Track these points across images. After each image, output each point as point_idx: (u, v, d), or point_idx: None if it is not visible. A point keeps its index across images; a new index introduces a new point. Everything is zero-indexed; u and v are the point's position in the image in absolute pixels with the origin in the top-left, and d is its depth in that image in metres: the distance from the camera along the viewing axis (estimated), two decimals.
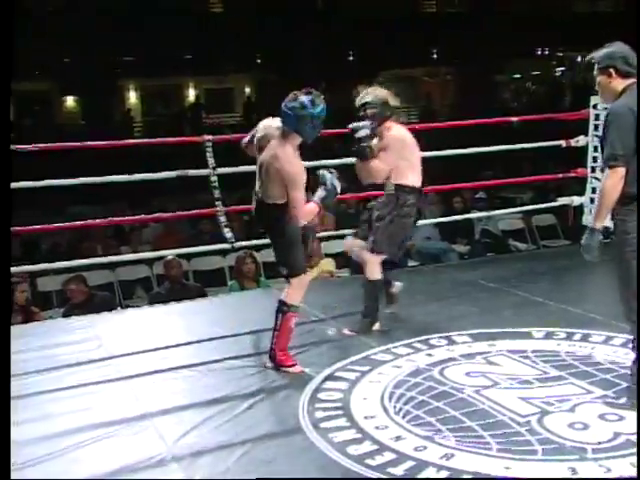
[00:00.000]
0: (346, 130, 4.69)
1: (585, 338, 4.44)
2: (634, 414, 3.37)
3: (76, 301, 6.47)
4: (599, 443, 3.19)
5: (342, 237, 7.93)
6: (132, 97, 23.43)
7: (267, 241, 6.45)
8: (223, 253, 7.69)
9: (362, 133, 4.58)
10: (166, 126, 19.62)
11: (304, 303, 4.37)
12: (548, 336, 4.54)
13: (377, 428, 3.44)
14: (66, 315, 6.22)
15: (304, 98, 3.99)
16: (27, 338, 4.99)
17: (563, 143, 6.84)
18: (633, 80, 3.44)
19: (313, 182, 4.19)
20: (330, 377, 4.08)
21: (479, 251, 8.51)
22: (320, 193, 4.17)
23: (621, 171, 3.31)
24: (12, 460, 2.96)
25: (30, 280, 7.33)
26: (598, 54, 3.52)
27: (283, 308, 4.22)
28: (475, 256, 8.16)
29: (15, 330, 4.95)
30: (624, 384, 3.66)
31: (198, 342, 4.81)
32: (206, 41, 18.86)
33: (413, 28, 20.56)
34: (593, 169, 6.55)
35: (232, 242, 5.82)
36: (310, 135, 4.07)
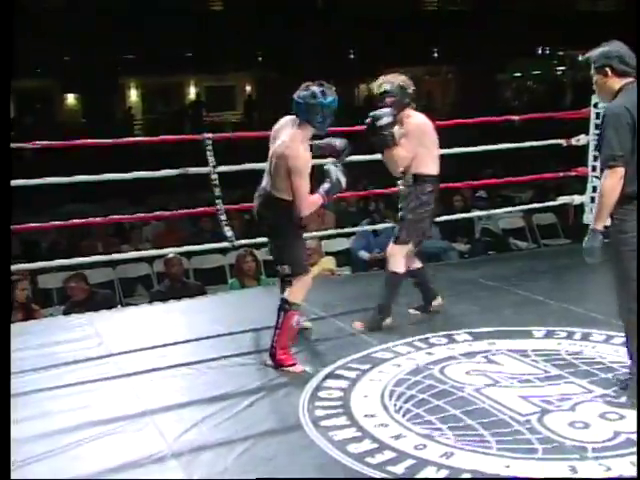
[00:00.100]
0: (346, 129, 4.69)
1: (586, 337, 4.44)
2: (634, 413, 3.37)
3: (77, 299, 6.47)
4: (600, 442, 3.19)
5: (342, 235, 8.00)
6: (133, 95, 23.44)
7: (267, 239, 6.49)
8: (223, 251, 7.69)
9: (384, 121, 4.58)
10: (167, 124, 19.61)
11: (305, 301, 4.37)
12: (548, 335, 4.54)
13: (377, 426, 3.44)
14: (66, 313, 6.21)
15: (315, 88, 4.06)
16: (27, 336, 4.99)
17: (564, 142, 6.84)
18: (630, 79, 3.43)
19: (318, 181, 4.20)
20: (330, 375, 4.08)
21: (479, 250, 8.50)
22: (325, 186, 4.18)
23: (620, 171, 3.30)
24: (12, 458, 2.96)
25: (31, 278, 7.33)
26: (594, 53, 3.51)
27: (285, 306, 4.22)
28: (475, 255, 8.16)
29: (15, 328, 4.96)
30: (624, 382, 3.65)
31: (198, 340, 4.81)
32: (207, 39, 18.86)
33: (414, 26, 20.56)
34: (594, 168, 6.54)
35: (232, 240, 5.81)
36: (320, 125, 4.11)
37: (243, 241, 6.15)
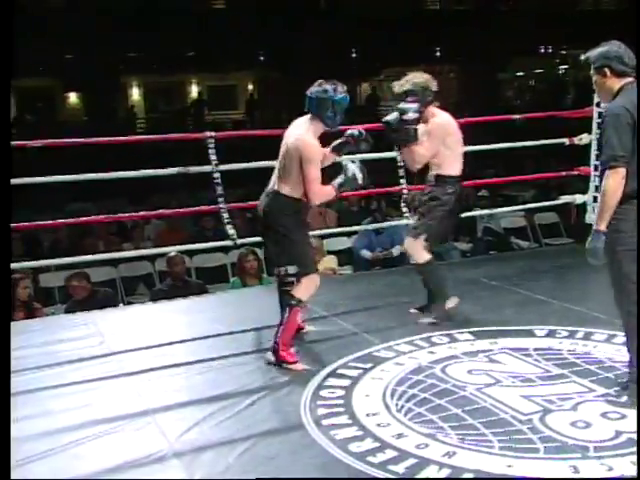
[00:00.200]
0: (346, 128, 4.67)
1: (587, 336, 4.43)
2: (635, 412, 3.37)
3: (78, 297, 6.47)
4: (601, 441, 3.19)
5: (344, 234, 8.00)
6: (135, 94, 23.44)
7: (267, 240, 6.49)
8: (225, 250, 7.69)
9: (410, 116, 4.57)
10: (169, 123, 19.63)
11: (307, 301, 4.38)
12: (550, 334, 4.53)
13: (379, 425, 3.44)
14: (68, 311, 6.22)
15: (328, 85, 4.12)
16: (29, 334, 4.99)
17: (566, 141, 6.84)
18: (630, 79, 3.43)
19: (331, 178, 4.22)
20: (332, 374, 4.08)
21: (481, 249, 8.50)
22: (339, 179, 4.21)
23: (622, 171, 3.30)
24: (13, 456, 2.96)
25: (32, 276, 7.33)
26: (593, 53, 3.50)
27: (291, 302, 4.22)
28: (477, 254, 8.16)
29: (17, 326, 4.97)
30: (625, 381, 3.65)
31: (200, 339, 4.81)
32: (209, 38, 18.86)
33: (416, 26, 20.54)
34: (596, 167, 6.52)
35: (234, 239, 5.81)
36: (331, 121, 4.15)
37: (245, 240, 6.15)
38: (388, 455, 3.16)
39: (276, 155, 5.82)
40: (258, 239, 6.30)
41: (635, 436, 3.18)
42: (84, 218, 6.49)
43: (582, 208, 6.83)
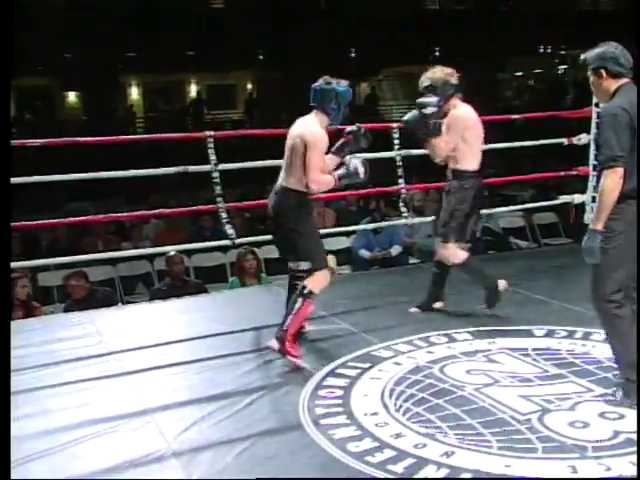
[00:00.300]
0: (345, 128, 4.68)
1: (586, 336, 4.44)
2: (634, 412, 3.37)
3: (77, 296, 6.47)
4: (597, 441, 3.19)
5: (343, 234, 8.00)
6: (134, 93, 23.42)
7: (268, 237, 6.49)
8: (224, 249, 7.69)
9: (429, 110, 4.63)
10: (168, 122, 19.63)
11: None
12: (549, 334, 4.54)
13: (377, 425, 3.44)
14: (67, 310, 6.22)
15: (331, 79, 4.22)
16: (28, 333, 5.00)
17: (565, 141, 6.84)
18: (626, 80, 3.43)
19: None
20: (331, 374, 4.08)
21: (480, 249, 8.47)
22: (340, 171, 4.26)
23: (620, 171, 3.31)
24: (12, 456, 2.96)
25: (31, 275, 7.33)
26: (590, 54, 3.51)
27: (304, 292, 4.23)
28: (476, 254, 8.10)
29: (16, 325, 4.97)
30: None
31: (198, 338, 4.81)
32: (208, 38, 18.84)
33: (415, 26, 20.53)
34: (594, 167, 6.54)
35: (233, 238, 5.81)
36: (334, 113, 4.22)
37: (244, 239, 6.15)
38: (386, 455, 3.16)
39: (275, 155, 5.82)
40: (257, 238, 6.34)
41: (634, 436, 3.18)
42: (83, 217, 6.50)
43: (581, 208, 6.83)
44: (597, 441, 3.18)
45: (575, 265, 5.78)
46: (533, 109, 12.25)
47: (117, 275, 7.91)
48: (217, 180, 5.74)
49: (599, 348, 4.24)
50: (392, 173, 6.46)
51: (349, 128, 4.44)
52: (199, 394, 3.90)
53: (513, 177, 8.57)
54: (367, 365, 4.18)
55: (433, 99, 4.65)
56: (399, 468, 3.06)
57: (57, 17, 17.52)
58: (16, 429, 3.20)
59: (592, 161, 6.58)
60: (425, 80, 4.77)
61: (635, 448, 3.09)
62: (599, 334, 4.41)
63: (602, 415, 3.42)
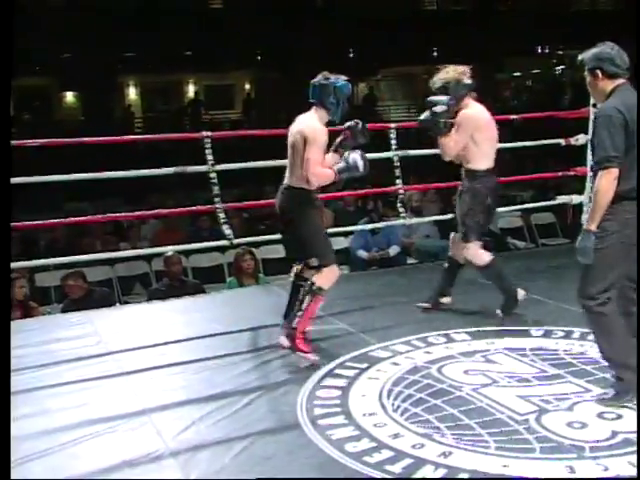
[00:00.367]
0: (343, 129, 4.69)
1: (583, 337, 4.44)
2: (632, 413, 3.38)
3: (75, 297, 6.46)
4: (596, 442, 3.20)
5: (341, 234, 8.00)
6: (132, 93, 23.41)
7: (266, 238, 6.50)
8: (222, 250, 7.69)
9: (439, 108, 4.66)
10: (166, 123, 19.61)
11: None
12: (547, 334, 4.54)
13: (375, 425, 3.44)
14: (65, 311, 6.22)
15: (330, 75, 4.25)
16: (25, 333, 5.00)
17: (563, 142, 6.84)
18: (622, 81, 3.42)
19: None
20: (329, 374, 4.09)
21: None
22: (340, 165, 4.27)
23: (614, 172, 3.31)
24: (11, 456, 2.96)
25: (29, 276, 7.32)
26: (586, 55, 3.51)
27: (313, 289, 4.26)
28: None
29: (14, 325, 4.95)
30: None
31: (196, 338, 4.81)
32: (206, 38, 18.84)
33: (413, 26, 20.54)
34: (592, 168, 6.54)
35: (231, 239, 5.82)
36: (334, 109, 4.24)
37: (242, 239, 6.15)
38: (384, 455, 3.17)
39: (273, 155, 5.83)
40: (254, 239, 6.35)
41: (631, 436, 3.19)
42: (81, 218, 6.48)
43: (579, 208, 6.84)
44: (595, 441, 3.19)
45: (572, 265, 5.73)
46: (531, 109, 12.25)
47: (115, 275, 7.91)
48: (215, 180, 5.74)
49: (596, 348, 4.23)
50: (390, 173, 6.46)
51: (347, 124, 4.46)
52: (197, 394, 3.90)
53: (511, 177, 8.55)
54: (365, 365, 4.18)
55: (443, 98, 4.67)
56: (397, 468, 3.06)
57: (55, 17, 17.50)
58: (15, 429, 3.19)
59: (590, 162, 6.59)
60: (437, 81, 4.78)
61: (633, 448, 3.10)
62: None
63: (600, 415, 3.43)
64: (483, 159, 4.79)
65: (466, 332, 4.63)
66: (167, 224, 9.51)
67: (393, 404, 3.67)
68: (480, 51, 21.46)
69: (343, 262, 7.87)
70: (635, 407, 3.43)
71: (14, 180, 4.70)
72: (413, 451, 3.18)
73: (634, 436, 3.19)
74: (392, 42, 19.70)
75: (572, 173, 6.94)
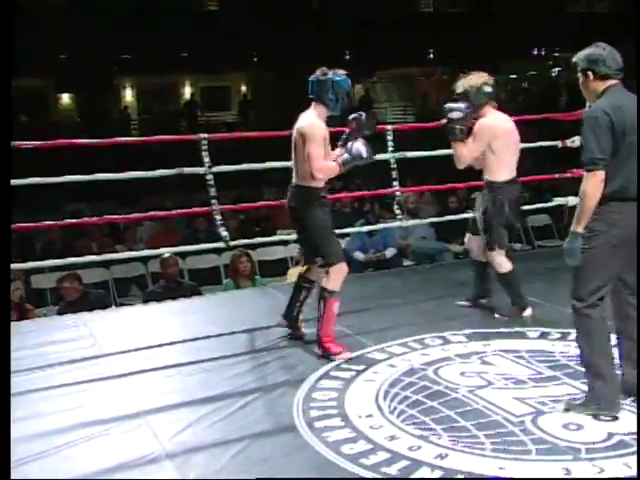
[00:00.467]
0: (341, 129, 4.69)
1: None
2: (628, 414, 3.38)
3: (70, 299, 6.45)
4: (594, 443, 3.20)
5: (337, 236, 7.97)
6: (128, 95, 23.39)
7: (263, 239, 6.50)
8: (218, 251, 7.69)
9: (454, 115, 4.67)
10: (162, 124, 19.59)
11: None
12: (543, 336, 4.54)
13: (371, 427, 3.44)
14: (60, 313, 6.20)
15: (328, 70, 4.25)
16: (21, 336, 4.98)
17: (559, 144, 6.85)
18: (614, 82, 3.40)
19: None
20: (325, 376, 4.08)
21: None
22: (344, 157, 4.28)
23: (600, 174, 3.32)
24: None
25: (24, 278, 7.31)
26: (579, 56, 3.50)
27: (324, 294, 4.28)
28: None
29: None
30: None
31: (193, 340, 4.81)
32: (202, 39, 18.84)
33: (409, 28, 20.57)
34: None
35: (227, 240, 5.81)
36: (333, 104, 4.25)
37: (238, 241, 6.15)
38: (380, 457, 3.16)
39: (269, 157, 5.83)
40: (251, 241, 6.34)
41: (627, 438, 3.19)
42: (77, 220, 6.47)
43: (575, 210, 6.83)
44: (591, 443, 3.19)
45: (568, 267, 5.78)
46: (527, 111, 12.27)
47: (111, 277, 7.90)
48: (211, 182, 5.74)
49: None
50: (386, 175, 6.46)
51: (352, 116, 4.45)
52: (193, 396, 3.89)
53: None
54: (361, 367, 4.18)
55: (460, 104, 4.67)
56: (393, 470, 3.06)
57: (52, 18, 17.47)
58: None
59: None
60: (459, 86, 4.78)
61: (629, 450, 3.10)
62: None
63: (596, 417, 3.42)
64: (502, 169, 4.75)
65: (462, 334, 4.63)
66: (163, 226, 9.52)
67: (389, 406, 3.66)
68: (476, 53, 21.48)
69: None
70: (632, 409, 3.44)
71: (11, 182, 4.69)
72: (409, 453, 3.18)
73: (630, 438, 3.19)
74: (388, 44, 19.72)
75: (568, 175, 6.93)
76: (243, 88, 24.24)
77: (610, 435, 3.25)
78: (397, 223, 6.69)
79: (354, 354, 4.37)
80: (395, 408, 3.63)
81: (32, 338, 4.97)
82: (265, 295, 5.95)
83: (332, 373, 4.12)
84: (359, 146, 4.29)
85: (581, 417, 3.42)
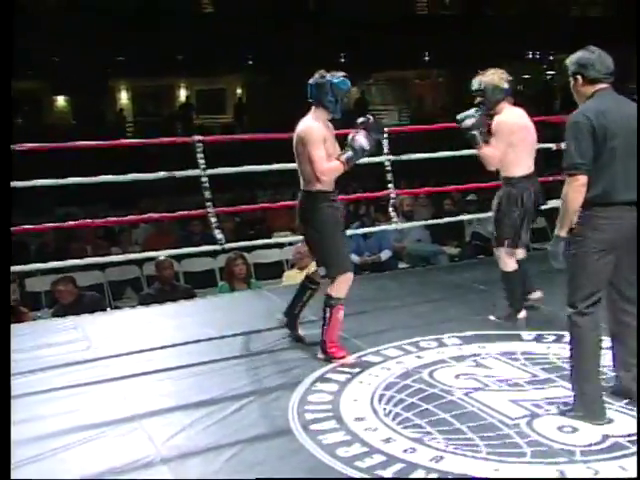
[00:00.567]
0: (338, 132, 4.69)
1: None
2: (623, 417, 3.39)
3: (65, 302, 6.43)
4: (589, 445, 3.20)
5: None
6: (123, 97, 23.37)
7: (258, 242, 6.48)
8: (213, 254, 7.67)
9: (467, 123, 4.71)
10: (158, 127, 19.58)
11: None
12: (538, 339, 4.55)
13: (367, 430, 3.44)
14: (55, 316, 6.19)
15: (326, 73, 4.25)
16: (16, 339, 4.93)
17: (553, 146, 6.86)
18: (603, 85, 3.39)
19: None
20: (320, 379, 4.08)
21: (469, 253, 8.51)
22: (348, 154, 4.26)
23: (581, 179, 3.31)
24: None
25: (19, 281, 7.29)
26: (569, 60, 3.50)
27: (330, 302, 4.28)
28: (465, 258, 8.17)
29: None
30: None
31: (187, 343, 4.80)
32: (198, 42, 18.84)
33: (405, 30, 20.59)
34: None
35: (222, 243, 5.81)
36: (332, 106, 4.23)
37: (233, 244, 6.14)
38: (376, 460, 3.16)
39: (264, 159, 5.82)
40: (246, 244, 6.34)
41: (622, 440, 3.20)
42: (72, 222, 6.46)
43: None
44: (586, 445, 3.19)
45: (563, 270, 5.80)
46: None
47: (106, 280, 7.89)
48: (206, 185, 5.73)
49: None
50: (382, 178, 6.47)
51: (360, 120, 4.43)
52: (187, 400, 3.89)
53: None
54: (357, 370, 4.18)
55: (469, 111, 4.71)
56: (388, 473, 3.05)
57: (47, 20, 17.47)
58: None
59: None
60: (476, 83, 4.79)
61: (624, 452, 3.11)
62: None
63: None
64: (518, 165, 4.77)
65: (457, 336, 4.63)
66: (158, 228, 9.51)
67: (385, 409, 3.66)
68: (471, 56, 21.53)
69: None
70: (626, 411, 3.44)
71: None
72: (404, 456, 3.18)
73: (625, 440, 3.20)
74: (383, 46, 19.75)
75: (563, 178, 6.94)
76: (238, 91, 24.24)
77: (605, 437, 3.25)
78: (392, 226, 6.70)
79: (350, 357, 4.36)
80: (390, 411, 3.63)
81: (27, 341, 4.96)
82: (260, 298, 5.95)
83: (327, 376, 4.11)
84: (361, 141, 4.27)
85: (576, 420, 3.43)
